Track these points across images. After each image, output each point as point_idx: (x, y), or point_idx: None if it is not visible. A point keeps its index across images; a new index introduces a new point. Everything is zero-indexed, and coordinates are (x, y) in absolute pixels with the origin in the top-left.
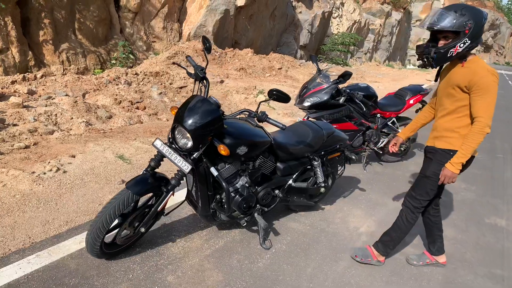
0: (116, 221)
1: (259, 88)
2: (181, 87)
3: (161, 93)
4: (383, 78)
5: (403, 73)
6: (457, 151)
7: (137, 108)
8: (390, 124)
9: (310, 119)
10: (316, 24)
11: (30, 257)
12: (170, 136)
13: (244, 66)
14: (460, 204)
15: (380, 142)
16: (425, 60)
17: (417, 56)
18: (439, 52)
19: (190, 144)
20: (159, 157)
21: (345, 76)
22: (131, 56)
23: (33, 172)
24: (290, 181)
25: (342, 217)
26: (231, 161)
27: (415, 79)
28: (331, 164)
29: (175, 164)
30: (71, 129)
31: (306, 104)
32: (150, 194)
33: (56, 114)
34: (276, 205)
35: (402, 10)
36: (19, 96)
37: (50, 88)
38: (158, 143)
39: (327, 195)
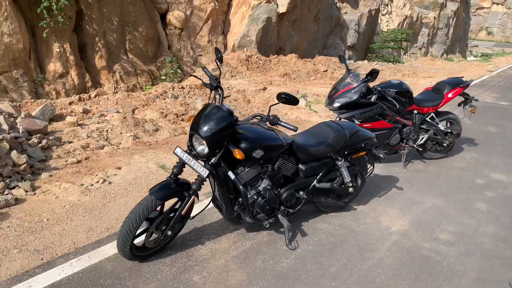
0: (145, 226)
1: (301, 93)
2: (224, 97)
3: None
4: (437, 73)
5: (461, 65)
6: None
7: (182, 120)
8: (429, 120)
9: (342, 119)
10: (363, 23)
11: (73, 261)
12: (188, 143)
13: (288, 71)
14: (508, 199)
15: (419, 139)
16: None
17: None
18: None
19: (206, 150)
20: (181, 164)
21: (373, 74)
22: (179, 71)
23: (82, 184)
24: (314, 182)
25: (374, 217)
26: (250, 165)
27: (474, 71)
28: (359, 163)
29: (194, 170)
30: (120, 143)
31: (336, 105)
32: (176, 199)
33: (107, 130)
34: (302, 207)
35: (458, 0)
36: (75, 115)
37: (102, 106)
38: (178, 150)
39: (358, 195)
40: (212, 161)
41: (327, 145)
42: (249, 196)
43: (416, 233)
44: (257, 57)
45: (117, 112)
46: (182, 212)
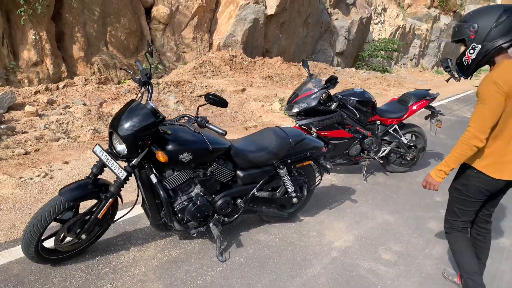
0: (59, 227)
1: (280, 96)
2: (200, 96)
3: (178, 101)
4: (423, 85)
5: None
6: None
7: None
8: (392, 132)
9: (302, 126)
10: (354, 31)
11: None
12: (109, 142)
13: (272, 74)
14: None
15: (381, 151)
16: (451, 73)
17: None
18: (459, 63)
19: (126, 150)
20: (101, 164)
21: (332, 80)
22: (160, 67)
23: (21, 177)
24: (254, 190)
25: (319, 230)
26: (180, 168)
27: (460, 85)
28: (306, 173)
29: (111, 171)
30: (79, 136)
31: (295, 110)
32: (96, 201)
33: (67, 122)
34: (241, 215)
35: (451, 14)
36: (37, 105)
37: (70, 97)
38: (97, 149)
39: (306, 205)
40: (133, 162)
41: (268, 152)
42: (179, 201)
43: (359, 250)
44: (241, 58)
45: (84, 104)
46: (99, 216)
